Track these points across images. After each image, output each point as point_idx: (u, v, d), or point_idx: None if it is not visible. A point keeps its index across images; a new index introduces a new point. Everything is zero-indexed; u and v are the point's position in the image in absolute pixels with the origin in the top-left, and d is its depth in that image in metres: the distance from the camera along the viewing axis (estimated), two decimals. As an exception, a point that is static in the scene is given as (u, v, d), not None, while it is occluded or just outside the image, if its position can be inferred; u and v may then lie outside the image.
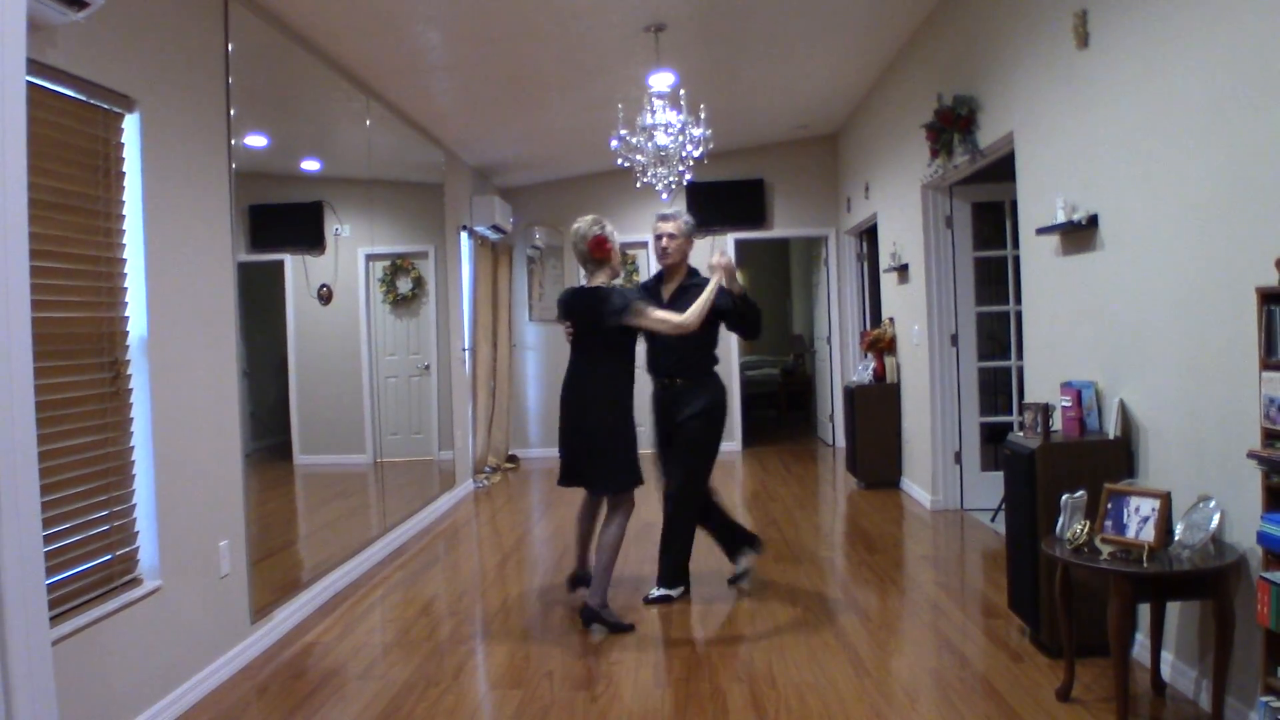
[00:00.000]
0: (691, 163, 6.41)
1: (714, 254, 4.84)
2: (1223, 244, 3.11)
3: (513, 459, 10.12)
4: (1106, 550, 3.20)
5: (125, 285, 3.54)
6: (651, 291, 5.02)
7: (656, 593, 4.86)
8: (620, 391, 4.60)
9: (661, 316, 4.56)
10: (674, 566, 4.91)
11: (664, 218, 4.97)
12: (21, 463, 1.35)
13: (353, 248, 6.06)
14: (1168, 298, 3.47)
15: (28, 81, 1.71)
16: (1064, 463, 3.78)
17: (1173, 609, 3.49)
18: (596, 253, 4.64)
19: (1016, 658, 3.86)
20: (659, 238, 4.95)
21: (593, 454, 4.56)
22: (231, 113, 4.32)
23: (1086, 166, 4.09)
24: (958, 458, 6.68)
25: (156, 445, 3.62)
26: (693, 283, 4.94)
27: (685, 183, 6.94)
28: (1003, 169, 5.34)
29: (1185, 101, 3.29)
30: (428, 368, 7.38)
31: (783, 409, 13.15)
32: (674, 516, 4.88)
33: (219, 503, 4.11)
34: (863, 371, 8.10)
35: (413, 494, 6.94)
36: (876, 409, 7.70)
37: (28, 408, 1.38)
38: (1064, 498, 3.47)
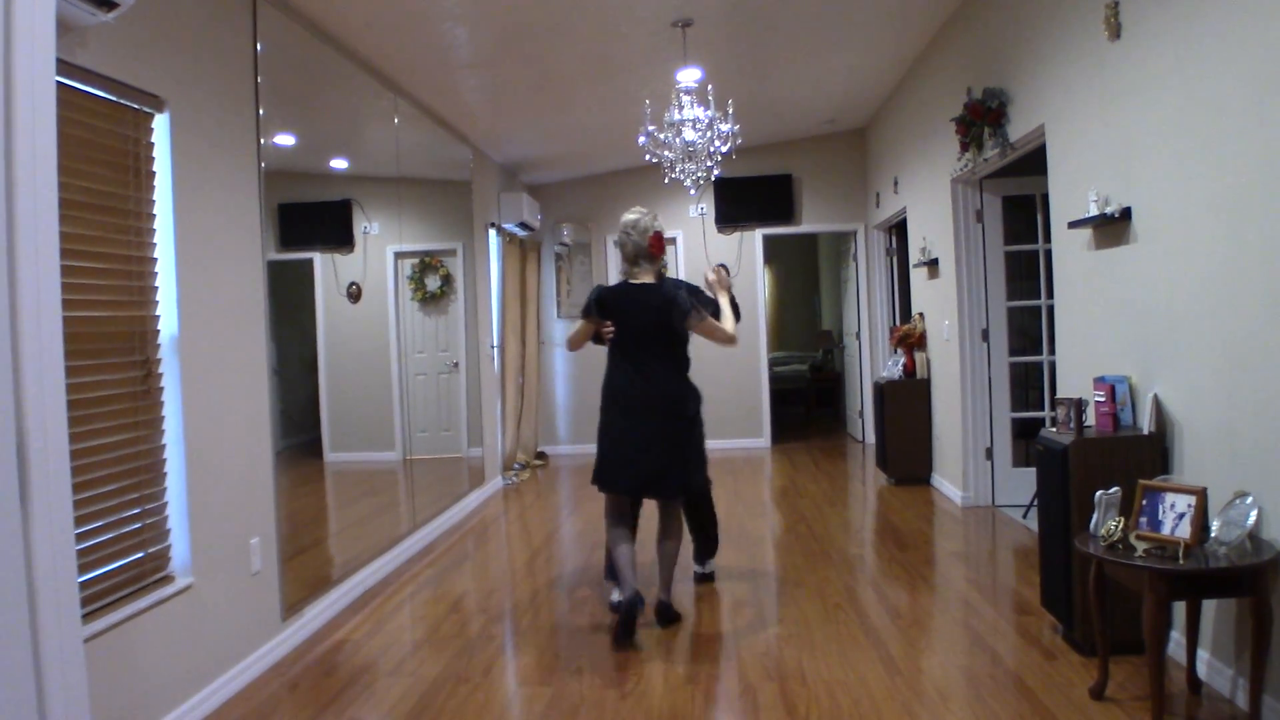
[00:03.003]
0: (720, 158, 6.39)
1: (709, 273, 4.79)
2: (1258, 237, 3.05)
3: (541, 456, 10.14)
4: (1141, 547, 3.16)
5: (156, 284, 3.57)
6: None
7: (707, 568, 5.19)
8: (692, 393, 4.52)
9: (716, 325, 4.45)
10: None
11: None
12: (54, 461, 1.36)
13: (381, 246, 6.08)
14: (1202, 291, 3.42)
15: (58, 82, 1.73)
16: (1097, 459, 3.74)
17: (1209, 606, 3.45)
18: (655, 249, 4.46)
19: (1049, 656, 3.82)
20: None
21: (673, 456, 4.36)
22: (260, 112, 4.35)
23: (1119, 159, 4.04)
24: (989, 453, 6.62)
25: (188, 443, 3.65)
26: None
27: (713, 178, 6.92)
28: (1033, 162, 5.28)
29: (1220, 93, 3.23)
30: (456, 365, 7.41)
31: (811, 405, 13.10)
32: (708, 496, 5.16)
33: (250, 500, 4.14)
34: (892, 367, 8.05)
35: (442, 491, 6.97)
36: (907, 405, 7.65)
37: (59, 407, 1.39)
38: (1098, 494, 3.43)
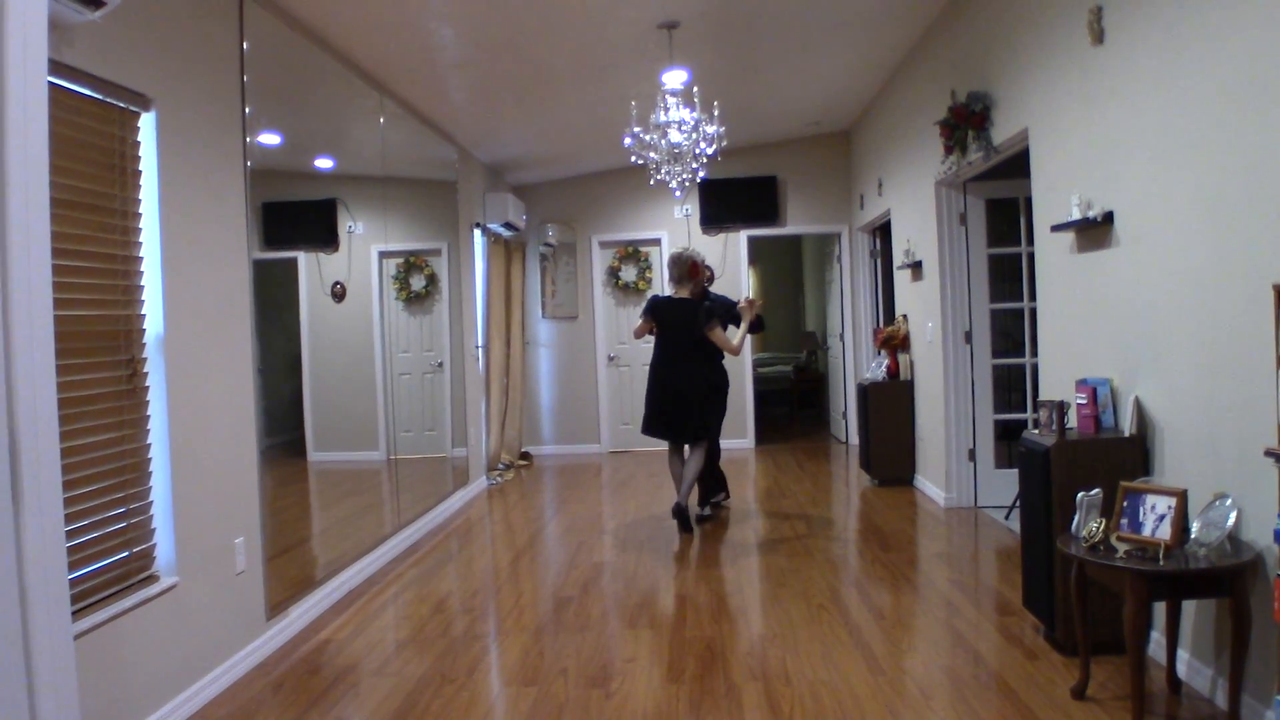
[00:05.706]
0: (705, 160, 6.41)
1: (742, 300, 6.61)
2: (1239, 241, 3.09)
3: (526, 456, 10.14)
4: (1122, 548, 3.19)
5: (142, 283, 3.56)
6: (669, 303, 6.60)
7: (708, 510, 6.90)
8: (713, 374, 6.49)
9: (723, 336, 6.40)
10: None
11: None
12: (45, 461, 1.36)
13: (366, 245, 6.07)
14: (1184, 295, 3.45)
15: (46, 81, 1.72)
16: (1079, 460, 3.77)
17: (1189, 607, 3.48)
18: (694, 274, 6.48)
19: (1031, 656, 3.85)
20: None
21: (690, 416, 6.36)
22: (246, 111, 4.34)
23: (1102, 163, 4.07)
24: (971, 455, 6.66)
25: (173, 442, 3.64)
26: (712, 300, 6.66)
27: (699, 180, 6.94)
28: (1017, 165, 5.32)
29: (1202, 98, 3.27)
30: (441, 365, 7.40)
31: (795, 406, 13.14)
32: (712, 452, 6.83)
33: (234, 499, 4.13)
34: (876, 369, 8.08)
35: (426, 491, 6.96)
36: (890, 406, 7.69)
37: (50, 407, 1.39)
38: (1079, 495, 3.46)
